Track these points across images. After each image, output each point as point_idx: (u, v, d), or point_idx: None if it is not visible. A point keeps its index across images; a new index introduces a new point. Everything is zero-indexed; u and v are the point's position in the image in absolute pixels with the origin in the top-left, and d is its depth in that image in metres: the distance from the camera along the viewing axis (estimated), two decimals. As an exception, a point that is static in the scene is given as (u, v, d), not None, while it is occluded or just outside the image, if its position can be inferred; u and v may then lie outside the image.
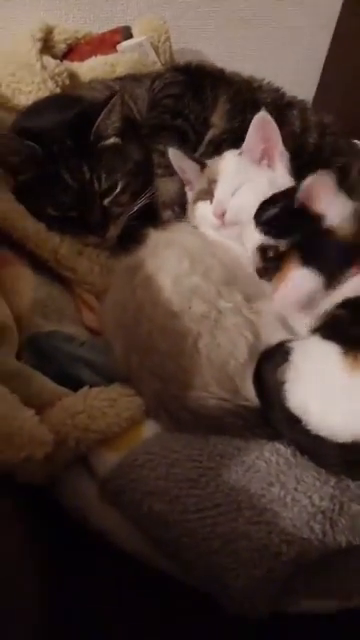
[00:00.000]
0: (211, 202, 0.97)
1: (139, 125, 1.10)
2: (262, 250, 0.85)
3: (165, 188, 1.08)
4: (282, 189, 0.90)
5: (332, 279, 0.79)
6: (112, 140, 0.99)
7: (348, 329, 0.72)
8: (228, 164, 0.99)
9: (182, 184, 1.08)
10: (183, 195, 1.08)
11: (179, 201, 1.08)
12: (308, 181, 0.81)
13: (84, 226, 0.96)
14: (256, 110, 0.96)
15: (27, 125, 0.99)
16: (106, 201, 0.98)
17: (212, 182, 0.98)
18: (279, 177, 0.98)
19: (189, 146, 1.09)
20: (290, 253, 0.82)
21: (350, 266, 0.79)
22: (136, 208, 1.03)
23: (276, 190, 0.90)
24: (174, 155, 1.04)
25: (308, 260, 0.80)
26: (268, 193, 0.89)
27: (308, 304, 0.82)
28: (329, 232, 0.81)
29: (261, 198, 0.89)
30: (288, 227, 0.83)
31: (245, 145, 0.98)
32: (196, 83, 1.13)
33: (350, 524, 0.68)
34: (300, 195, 0.81)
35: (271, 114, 0.95)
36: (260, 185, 0.95)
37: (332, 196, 0.82)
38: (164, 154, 1.06)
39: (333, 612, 0.73)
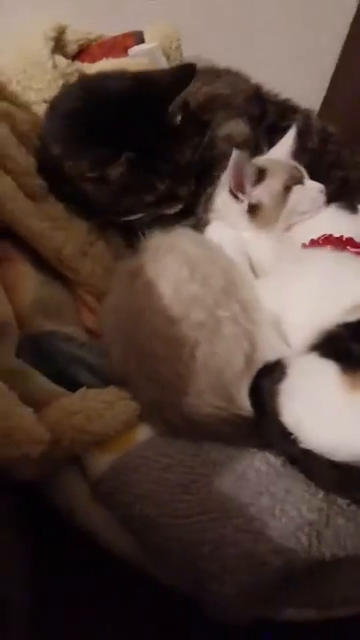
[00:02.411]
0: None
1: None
2: None
3: (235, 129, 1.10)
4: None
5: None
6: (179, 116, 0.98)
7: (347, 348, 0.72)
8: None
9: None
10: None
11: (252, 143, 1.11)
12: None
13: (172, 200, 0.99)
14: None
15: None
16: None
17: (294, 167, 1.04)
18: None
19: None
20: None
21: None
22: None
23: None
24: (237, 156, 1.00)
25: None
26: None
27: None
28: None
29: None
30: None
31: None
32: None
33: (335, 537, 0.69)
34: None
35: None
36: None
37: None
38: (227, 97, 1.10)
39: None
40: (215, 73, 1.21)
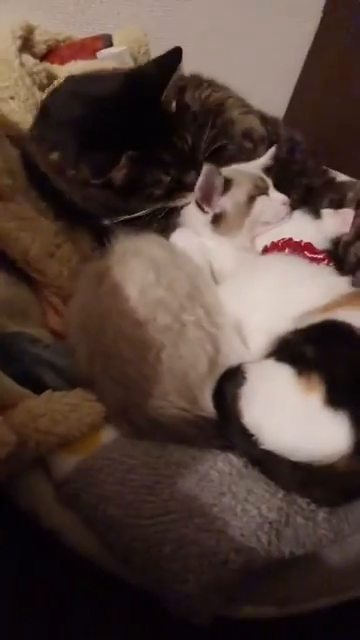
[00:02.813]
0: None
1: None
2: None
3: (254, 123, 1.11)
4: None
5: None
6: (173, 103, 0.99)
7: (300, 351, 0.74)
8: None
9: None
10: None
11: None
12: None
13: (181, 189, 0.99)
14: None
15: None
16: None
17: (260, 178, 1.05)
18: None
19: None
20: None
21: None
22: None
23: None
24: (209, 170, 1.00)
25: None
26: None
27: None
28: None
29: None
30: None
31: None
32: None
33: (295, 536, 0.71)
34: None
35: None
36: None
37: None
38: (240, 98, 1.12)
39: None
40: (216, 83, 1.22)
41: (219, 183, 1.00)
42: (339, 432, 0.68)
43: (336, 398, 0.69)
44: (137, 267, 0.89)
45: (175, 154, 0.95)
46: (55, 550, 0.76)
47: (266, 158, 1.10)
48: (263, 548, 0.70)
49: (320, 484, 0.71)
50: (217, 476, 0.75)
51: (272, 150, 1.10)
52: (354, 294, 0.86)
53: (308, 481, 0.71)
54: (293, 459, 0.70)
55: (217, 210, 1.02)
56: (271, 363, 0.77)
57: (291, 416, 0.71)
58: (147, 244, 0.96)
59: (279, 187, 1.07)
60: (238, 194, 1.03)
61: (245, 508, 0.72)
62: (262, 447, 0.71)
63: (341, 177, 1.27)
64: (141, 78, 0.99)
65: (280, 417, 0.72)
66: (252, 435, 0.73)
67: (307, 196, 1.16)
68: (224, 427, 0.78)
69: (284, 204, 1.05)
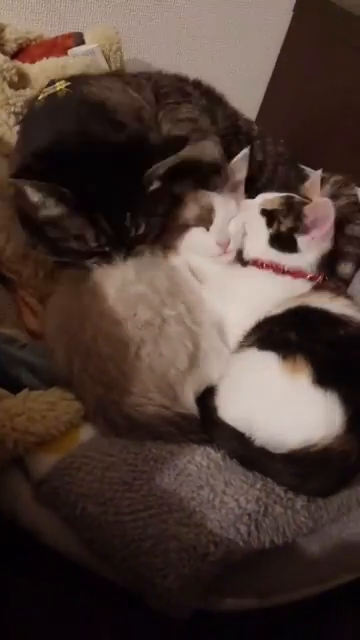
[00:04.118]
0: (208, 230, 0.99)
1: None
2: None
3: (203, 152, 0.99)
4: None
5: None
6: (156, 184, 0.88)
7: (283, 337, 0.76)
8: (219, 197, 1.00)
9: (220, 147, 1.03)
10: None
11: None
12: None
13: (105, 255, 0.88)
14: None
15: (54, 160, 0.80)
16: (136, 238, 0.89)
17: (210, 211, 0.99)
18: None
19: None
20: None
21: None
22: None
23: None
24: None
25: None
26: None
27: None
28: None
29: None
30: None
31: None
32: (199, 88, 1.14)
33: (274, 525, 0.72)
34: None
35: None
36: (239, 215, 1.02)
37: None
38: (194, 120, 1.01)
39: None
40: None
41: None
42: (330, 410, 0.70)
43: (323, 377, 0.71)
44: (117, 266, 0.89)
45: (117, 229, 0.85)
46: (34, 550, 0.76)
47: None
48: (242, 539, 0.70)
49: (316, 473, 0.72)
50: (195, 470, 0.76)
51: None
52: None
53: (304, 472, 0.72)
54: (289, 449, 0.71)
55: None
56: (253, 352, 0.79)
57: (280, 400, 0.73)
58: None
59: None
60: (179, 216, 1.01)
61: (223, 500, 0.72)
62: (255, 443, 0.73)
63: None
64: (141, 144, 0.87)
65: (269, 403, 0.74)
66: (243, 434, 0.74)
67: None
68: (215, 438, 0.79)
69: (219, 244, 0.98)
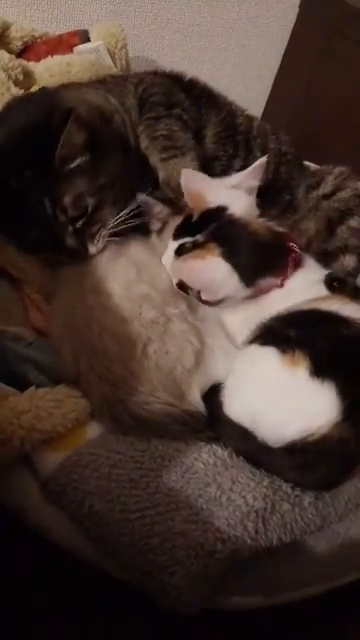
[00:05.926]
0: None
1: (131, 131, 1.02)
2: (179, 250, 0.90)
3: (174, 170, 0.98)
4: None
5: (248, 279, 0.86)
6: (78, 160, 0.87)
7: (283, 334, 0.78)
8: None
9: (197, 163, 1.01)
10: None
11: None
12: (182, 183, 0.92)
13: (62, 252, 0.90)
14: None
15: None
16: (78, 224, 0.89)
17: None
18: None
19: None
20: (209, 245, 0.87)
21: (268, 272, 0.87)
22: (119, 220, 0.93)
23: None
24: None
25: (227, 255, 0.85)
26: None
27: (227, 300, 0.88)
28: (250, 232, 0.88)
29: None
30: (199, 224, 0.90)
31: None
32: (192, 92, 1.11)
33: (281, 522, 0.72)
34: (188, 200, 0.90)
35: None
36: None
37: (208, 186, 0.92)
38: (170, 136, 0.99)
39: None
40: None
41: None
42: (327, 400, 0.71)
43: (320, 369, 0.73)
44: (117, 265, 0.89)
45: (42, 217, 0.86)
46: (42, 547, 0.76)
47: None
48: (250, 537, 0.70)
49: (318, 463, 0.72)
50: (202, 467, 0.75)
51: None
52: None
53: (306, 464, 0.72)
54: (288, 440, 0.72)
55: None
56: (255, 348, 0.80)
57: (280, 392, 0.75)
58: (127, 244, 0.96)
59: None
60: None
61: (231, 498, 0.72)
62: (259, 438, 0.74)
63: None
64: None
65: (269, 395, 0.75)
66: (247, 429, 0.75)
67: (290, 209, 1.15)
68: (221, 435, 0.80)
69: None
